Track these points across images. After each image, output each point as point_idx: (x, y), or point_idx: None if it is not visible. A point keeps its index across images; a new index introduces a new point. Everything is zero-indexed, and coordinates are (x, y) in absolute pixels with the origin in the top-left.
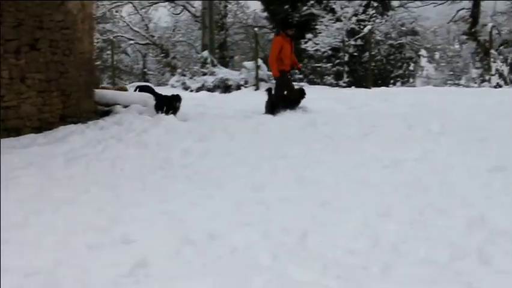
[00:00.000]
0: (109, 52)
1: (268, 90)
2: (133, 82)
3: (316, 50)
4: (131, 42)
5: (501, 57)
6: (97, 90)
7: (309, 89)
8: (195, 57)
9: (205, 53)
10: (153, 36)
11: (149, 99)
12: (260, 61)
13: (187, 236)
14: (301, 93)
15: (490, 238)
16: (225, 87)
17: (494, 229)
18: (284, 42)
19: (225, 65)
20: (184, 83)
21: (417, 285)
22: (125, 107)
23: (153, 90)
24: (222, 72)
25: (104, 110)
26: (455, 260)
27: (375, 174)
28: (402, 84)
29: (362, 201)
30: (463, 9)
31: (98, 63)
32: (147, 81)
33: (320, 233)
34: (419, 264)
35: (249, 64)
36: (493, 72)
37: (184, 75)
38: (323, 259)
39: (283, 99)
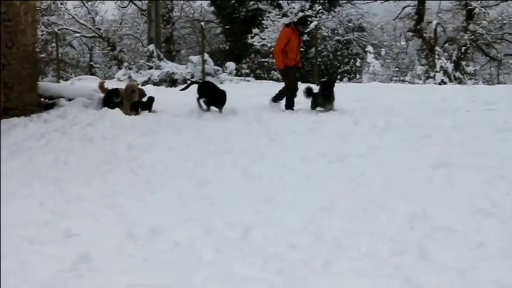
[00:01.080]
0: (54, 45)
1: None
2: (79, 75)
3: (263, 45)
4: (77, 35)
5: (446, 54)
6: (40, 83)
7: (255, 84)
8: (141, 50)
9: (151, 47)
10: (100, 29)
11: (95, 92)
12: (206, 55)
13: (130, 230)
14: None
15: (430, 234)
16: (171, 81)
17: (435, 225)
18: (292, 36)
19: (172, 59)
20: (130, 77)
21: (358, 280)
22: (70, 100)
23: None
24: (168, 66)
25: (48, 103)
26: (395, 255)
27: (320, 169)
28: (349, 80)
29: (307, 197)
30: (408, 6)
31: (42, 56)
32: (93, 74)
33: (264, 228)
34: (360, 259)
35: (195, 58)
36: (438, 69)
37: (130, 69)
38: (266, 254)
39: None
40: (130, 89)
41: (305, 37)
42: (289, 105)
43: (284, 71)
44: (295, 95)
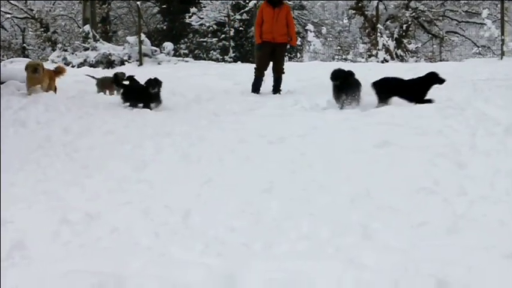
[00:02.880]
0: None
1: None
2: (11, 58)
3: (201, 25)
4: (8, 16)
5: (387, 32)
6: None
7: (194, 65)
8: (76, 31)
9: (87, 28)
10: (32, 10)
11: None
12: (143, 36)
13: (66, 216)
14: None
15: (373, 213)
16: (108, 62)
17: (378, 204)
18: (266, 8)
19: (108, 40)
20: (65, 59)
21: (299, 261)
22: (2, 83)
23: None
24: (105, 48)
25: None
26: (337, 235)
27: (260, 150)
28: (290, 59)
29: (246, 178)
30: None
31: None
32: (26, 56)
33: (203, 211)
34: (301, 240)
35: (132, 39)
36: (380, 47)
37: (65, 51)
38: (205, 237)
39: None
40: (32, 67)
41: (244, 16)
42: (253, 88)
43: (257, 46)
44: (258, 77)
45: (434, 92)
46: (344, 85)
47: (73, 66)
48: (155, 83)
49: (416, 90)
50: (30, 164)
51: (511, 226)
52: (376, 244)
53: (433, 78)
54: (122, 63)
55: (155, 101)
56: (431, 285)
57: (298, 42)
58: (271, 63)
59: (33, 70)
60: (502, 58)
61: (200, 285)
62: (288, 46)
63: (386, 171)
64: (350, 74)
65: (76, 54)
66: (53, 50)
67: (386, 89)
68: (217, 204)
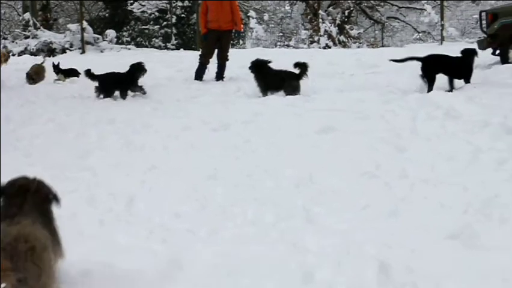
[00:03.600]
0: None
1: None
2: None
3: (143, 12)
4: None
5: (330, 18)
6: None
7: (136, 52)
8: (16, 19)
9: (27, 15)
10: None
11: None
12: (85, 23)
13: None
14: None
15: (316, 197)
16: (49, 50)
17: (321, 189)
18: None
19: (49, 27)
20: (5, 47)
21: (244, 246)
22: None
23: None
24: (46, 35)
25: None
26: (282, 220)
27: (204, 137)
28: (233, 46)
29: (191, 165)
30: None
31: None
32: None
33: (148, 197)
34: (246, 225)
35: (74, 26)
36: (322, 33)
37: (5, 39)
38: (150, 224)
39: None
40: None
41: (186, 3)
42: (196, 75)
43: (203, 35)
44: (203, 64)
45: (374, 77)
46: (264, 75)
47: (13, 55)
48: (142, 67)
49: (462, 68)
50: None
51: (450, 208)
52: (319, 227)
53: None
54: (63, 51)
55: (137, 86)
56: (373, 267)
57: None
58: (216, 51)
59: None
60: (441, 43)
61: (145, 271)
62: (234, 31)
63: (328, 155)
64: (266, 63)
65: (17, 43)
66: None
67: (433, 66)
68: (162, 191)
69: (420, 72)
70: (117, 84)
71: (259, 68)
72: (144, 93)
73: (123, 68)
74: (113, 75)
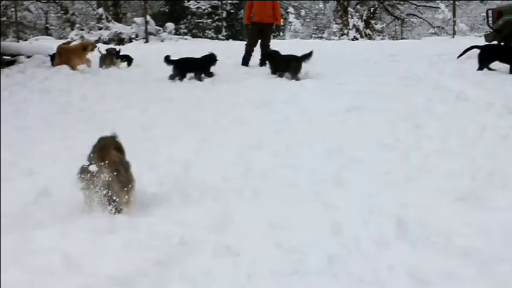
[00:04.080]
0: (13, 9)
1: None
2: (36, 36)
3: (198, 8)
4: (33, 0)
5: (357, 14)
6: (2, 43)
7: (192, 42)
8: (91, 13)
9: (101, 10)
10: None
11: (50, 50)
12: (149, 17)
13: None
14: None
15: (345, 165)
16: (118, 40)
17: (350, 158)
18: None
19: (119, 20)
20: (82, 37)
21: (282, 204)
22: (29, 57)
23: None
24: (116, 27)
25: (9, 60)
26: (315, 183)
27: (249, 114)
28: (274, 37)
29: (237, 137)
30: None
31: (3, 19)
32: (49, 35)
33: (202, 163)
34: (284, 187)
35: (139, 20)
36: (351, 27)
37: (82, 30)
38: (203, 185)
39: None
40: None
41: (235, 0)
42: (243, 61)
43: (246, 26)
44: (248, 52)
45: (395, 65)
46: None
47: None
48: (215, 57)
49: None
50: (55, 125)
51: (459, 175)
52: (347, 191)
53: None
54: (130, 40)
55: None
56: (392, 224)
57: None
58: (259, 41)
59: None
60: (453, 37)
61: (199, 223)
62: (274, 26)
63: (355, 130)
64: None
65: (92, 33)
66: (72, 29)
67: (489, 54)
68: (214, 158)
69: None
70: (191, 68)
71: (270, 56)
72: (212, 76)
73: (180, 55)
74: (189, 60)
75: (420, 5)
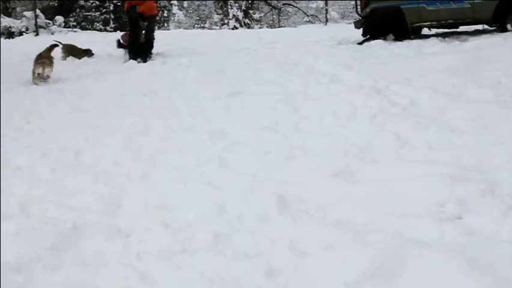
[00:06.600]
0: None
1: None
2: None
3: (86, 1)
4: None
5: (237, 4)
6: None
7: (81, 34)
8: None
9: None
10: None
11: None
12: (38, 11)
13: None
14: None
15: (228, 147)
16: (8, 33)
17: (232, 140)
18: None
19: (8, 15)
20: None
21: (170, 186)
22: None
23: None
24: (6, 21)
25: None
26: (200, 165)
27: (137, 101)
28: (159, 28)
29: (126, 124)
30: None
31: None
32: None
33: (92, 150)
34: (172, 170)
35: (28, 14)
36: (231, 17)
37: None
38: (94, 171)
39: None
40: None
41: None
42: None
43: (127, 10)
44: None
45: (273, 52)
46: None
47: None
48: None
49: None
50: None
51: (334, 153)
52: (230, 170)
53: None
54: (21, 34)
55: None
56: (273, 200)
57: (165, 14)
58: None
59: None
60: (326, 24)
61: (91, 207)
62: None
63: (237, 114)
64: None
65: None
66: None
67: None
68: (104, 144)
69: None
70: None
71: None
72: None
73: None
74: None
75: None
